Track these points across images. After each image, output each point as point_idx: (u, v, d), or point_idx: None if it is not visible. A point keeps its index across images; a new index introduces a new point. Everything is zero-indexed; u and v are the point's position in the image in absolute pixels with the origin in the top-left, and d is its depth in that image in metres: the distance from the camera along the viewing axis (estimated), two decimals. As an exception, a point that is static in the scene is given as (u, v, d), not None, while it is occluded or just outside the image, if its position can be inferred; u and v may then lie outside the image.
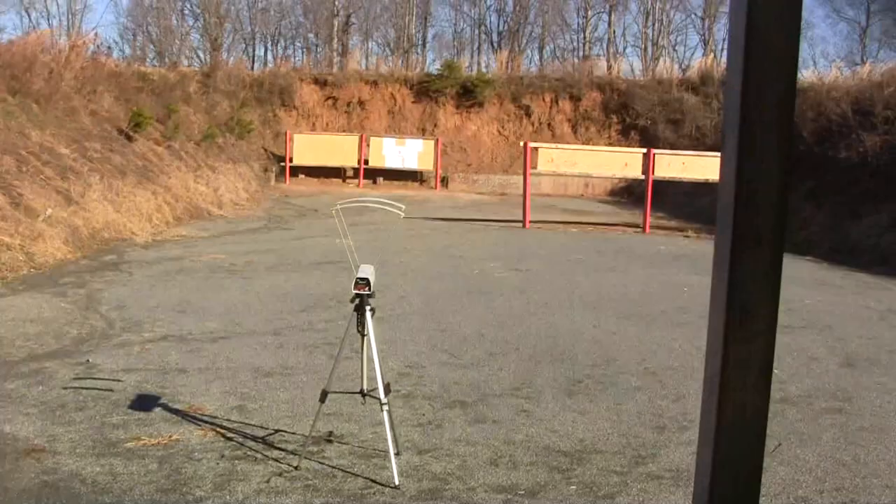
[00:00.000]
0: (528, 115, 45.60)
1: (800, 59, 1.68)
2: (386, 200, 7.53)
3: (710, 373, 1.66)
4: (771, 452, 7.67)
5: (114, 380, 9.44)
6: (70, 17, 64.10)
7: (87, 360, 10.20)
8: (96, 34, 45.14)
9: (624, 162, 28.65)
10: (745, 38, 1.56)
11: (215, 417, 8.28)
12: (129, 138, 28.04)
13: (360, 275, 6.93)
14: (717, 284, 1.63)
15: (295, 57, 66.17)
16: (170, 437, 7.68)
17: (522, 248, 22.43)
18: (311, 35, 68.84)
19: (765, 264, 1.59)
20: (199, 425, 8.03)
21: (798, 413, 9.15)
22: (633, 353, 11.48)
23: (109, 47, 50.36)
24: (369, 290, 6.92)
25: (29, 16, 63.78)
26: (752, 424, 1.63)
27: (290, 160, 40.60)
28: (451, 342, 11.71)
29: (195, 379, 9.58)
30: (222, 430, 7.91)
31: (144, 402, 8.65)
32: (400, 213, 7.35)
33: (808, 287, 17.35)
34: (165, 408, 8.51)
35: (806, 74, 39.56)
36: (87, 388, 9.10)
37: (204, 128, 35.84)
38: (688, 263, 20.51)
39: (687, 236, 26.97)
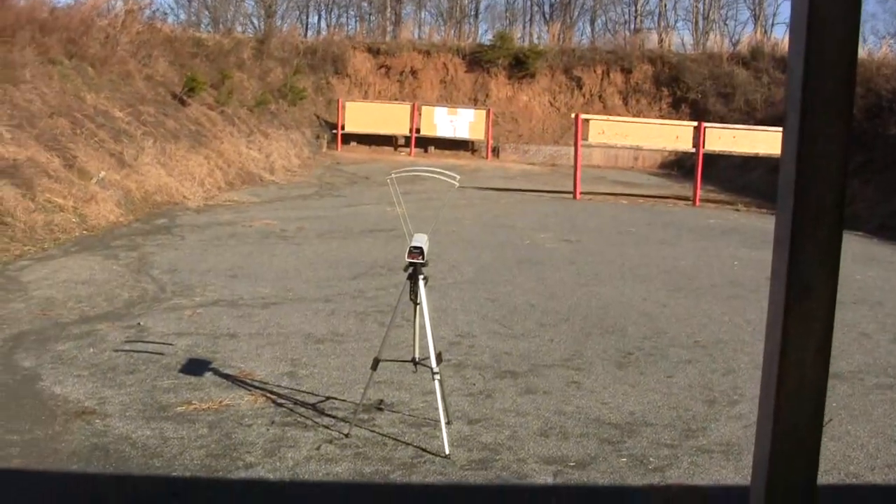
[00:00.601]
0: (580, 86, 45.55)
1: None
2: (440, 170, 7.54)
3: (769, 348, 1.67)
4: (822, 427, 7.65)
5: (165, 343, 9.51)
6: (126, -19, 64.34)
7: (139, 324, 10.28)
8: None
9: (674, 135, 28.52)
10: (807, 23, 1.57)
11: (266, 383, 8.33)
12: (183, 103, 28.17)
13: (414, 243, 6.93)
14: (778, 262, 1.65)
15: (348, 25, 66.29)
16: (220, 402, 7.74)
17: (573, 219, 22.40)
18: (364, 4, 68.82)
19: (825, 243, 1.61)
20: (250, 391, 8.08)
21: (849, 389, 9.10)
22: (683, 326, 11.45)
23: (165, 13, 50.68)
24: (423, 259, 6.93)
25: (86, -20, 64.03)
26: (811, 398, 1.65)
27: (342, 128, 40.71)
28: (501, 312, 11.73)
29: (246, 344, 9.64)
30: (273, 396, 7.96)
31: (195, 367, 8.71)
32: (454, 182, 7.35)
33: (857, 262, 17.21)
34: (216, 373, 8.56)
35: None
36: (138, 352, 9.18)
37: (257, 94, 35.95)
38: (738, 237, 20.44)
39: (737, 210, 26.85)
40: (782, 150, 1.66)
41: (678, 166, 39.60)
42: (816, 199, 1.57)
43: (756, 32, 52.73)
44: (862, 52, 37.87)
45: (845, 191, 1.60)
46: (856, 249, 19.11)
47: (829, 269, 1.61)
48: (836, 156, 1.56)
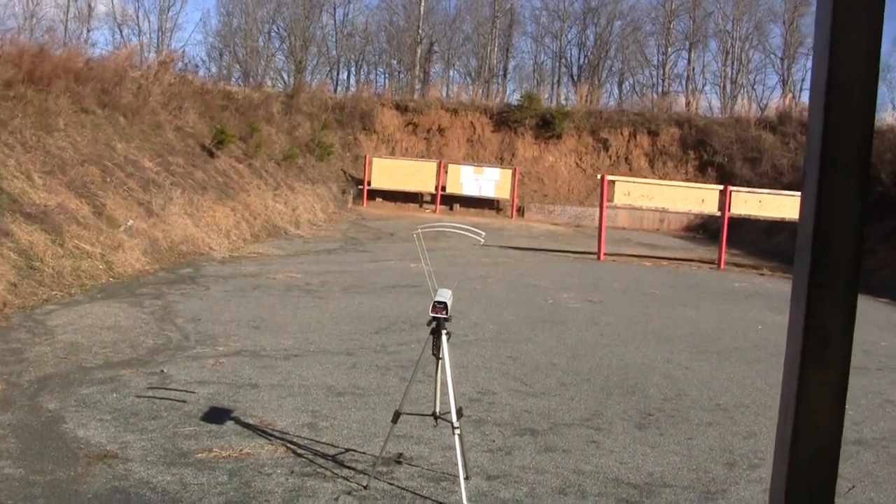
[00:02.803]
0: (606, 148, 45.63)
1: (879, 103, 1.76)
2: (466, 226, 7.58)
3: (786, 396, 1.71)
4: (845, 494, 7.63)
5: (187, 391, 9.55)
6: (160, 34, 65.23)
7: (162, 371, 10.33)
8: (184, 52, 45.79)
9: (700, 198, 28.50)
10: (826, 88, 1.64)
11: (286, 433, 8.35)
12: (212, 155, 28.38)
13: (438, 298, 6.96)
14: (795, 312, 1.69)
15: (377, 82, 66.75)
16: (241, 450, 7.76)
17: (596, 279, 22.39)
18: (394, 61, 69.39)
19: (842, 294, 1.65)
20: (270, 440, 8.10)
21: (873, 456, 9.04)
22: (704, 389, 11.43)
23: (197, 65, 51.10)
24: (446, 313, 6.95)
25: (121, 32, 64.97)
26: (827, 445, 1.68)
27: (368, 183, 41.01)
28: (522, 370, 11.72)
29: (267, 394, 9.66)
30: (293, 447, 7.97)
31: (216, 415, 8.74)
32: (480, 238, 7.39)
33: (884, 329, 17.18)
34: (237, 421, 8.59)
35: (885, 117, 39.44)
36: (160, 398, 9.22)
37: (285, 148, 36.24)
38: (762, 301, 20.39)
39: (762, 274, 26.80)
40: (801, 206, 1.70)
41: (703, 229, 39.64)
42: (834, 252, 1.62)
43: (784, 97, 52.80)
44: (892, 119, 37.96)
45: (862, 243, 1.65)
46: (882, 316, 19.07)
47: (845, 320, 1.65)
48: (853, 210, 1.61)
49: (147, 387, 9.63)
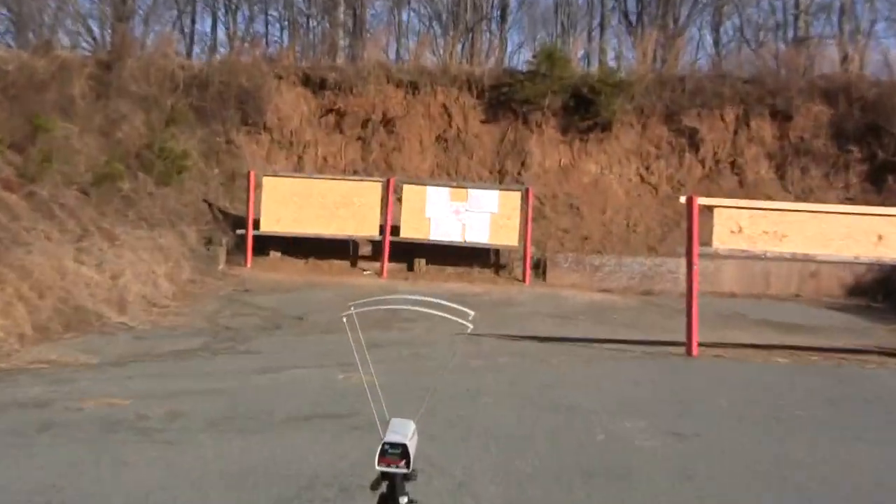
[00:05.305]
0: (694, 145, 45.61)
1: None
2: (439, 301, 7.29)
3: None
4: None
5: None
6: None
7: None
8: None
9: (875, 232, 28.34)
10: None
11: None
12: (-48, 179, 28.25)
13: (390, 438, 6.67)
14: None
15: (269, 36, 66.84)
16: None
17: (686, 393, 22.25)
18: (298, 2, 69.49)
19: None
20: None
21: None
22: None
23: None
24: (407, 466, 6.65)
25: None
26: None
27: (256, 224, 40.71)
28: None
29: None
30: None
31: None
32: (466, 322, 7.11)
33: None
34: None
35: None
36: None
37: (98, 161, 36.05)
38: None
39: None
40: None
41: (885, 291, 39.59)
42: None
43: None
44: None
45: None
46: None
47: None
48: None
49: None
